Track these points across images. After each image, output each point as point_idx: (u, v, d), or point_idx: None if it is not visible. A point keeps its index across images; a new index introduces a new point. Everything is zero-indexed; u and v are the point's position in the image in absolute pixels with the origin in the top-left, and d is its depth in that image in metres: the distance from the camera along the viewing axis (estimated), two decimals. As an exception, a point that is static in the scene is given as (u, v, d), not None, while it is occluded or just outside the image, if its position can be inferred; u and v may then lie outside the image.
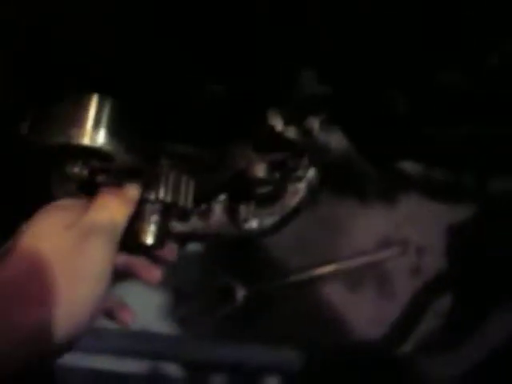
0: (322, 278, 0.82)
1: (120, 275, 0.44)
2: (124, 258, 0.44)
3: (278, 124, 0.39)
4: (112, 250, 0.36)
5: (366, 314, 0.82)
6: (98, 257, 0.34)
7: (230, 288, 0.79)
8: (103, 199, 0.38)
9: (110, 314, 0.44)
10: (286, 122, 0.40)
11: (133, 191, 0.40)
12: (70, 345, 0.33)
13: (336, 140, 0.78)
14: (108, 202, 0.38)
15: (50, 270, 0.32)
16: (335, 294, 0.82)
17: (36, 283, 0.32)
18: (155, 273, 0.45)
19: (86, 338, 0.34)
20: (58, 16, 0.31)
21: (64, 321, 0.32)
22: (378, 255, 0.83)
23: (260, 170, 0.44)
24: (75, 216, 0.36)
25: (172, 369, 0.79)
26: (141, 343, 0.77)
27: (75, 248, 0.34)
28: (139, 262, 0.45)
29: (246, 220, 0.53)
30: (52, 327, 0.31)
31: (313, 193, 0.57)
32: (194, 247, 0.80)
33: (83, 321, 0.33)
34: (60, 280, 0.32)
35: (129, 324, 0.44)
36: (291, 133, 0.41)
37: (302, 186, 0.55)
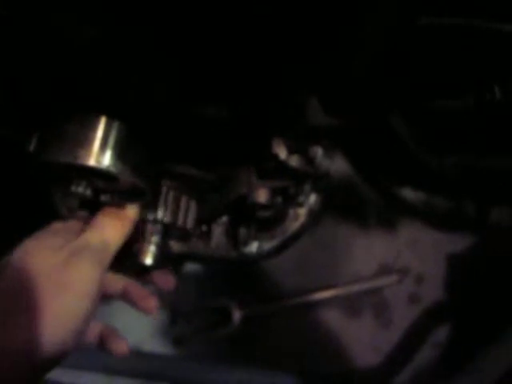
0: (319, 303, 0.81)
1: (118, 299, 0.44)
2: (123, 284, 0.44)
3: (281, 152, 0.40)
4: (100, 270, 0.36)
5: (362, 341, 0.81)
6: (84, 274, 0.35)
7: (226, 309, 0.78)
8: (98, 220, 0.39)
9: (103, 342, 0.44)
10: (290, 151, 0.41)
11: (130, 212, 0.41)
12: (56, 361, 0.33)
13: (337, 165, 0.79)
14: (102, 223, 0.39)
15: (35, 283, 0.33)
16: (333, 320, 0.81)
17: (20, 297, 0.32)
18: (151, 303, 0.45)
19: (76, 355, 0.34)
20: (69, 41, 0.31)
21: (50, 333, 0.32)
22: (377, 282, 0.83)
23: (262, 196, 0.44)
24: (66, 239, 0.37)
25: (165, 389, 0.78)
26: (133, 362, 0.76)
27: (63, 265, 0.34)
28: (137, 291, 0.45)
29: (245, 243, 0.53)
30: (38, 339, 0.31)
31: (313, 218, 0.57)
32: (191, 267, 0.79)
33: (70, 335, 0.33)
34: (45, 294, 0.33)
35: (124, 354, 0.44)
36: (294, 161, 0.41)
37: (302, 212, 0.55)
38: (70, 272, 0.34)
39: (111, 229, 0.39)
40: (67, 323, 0.33)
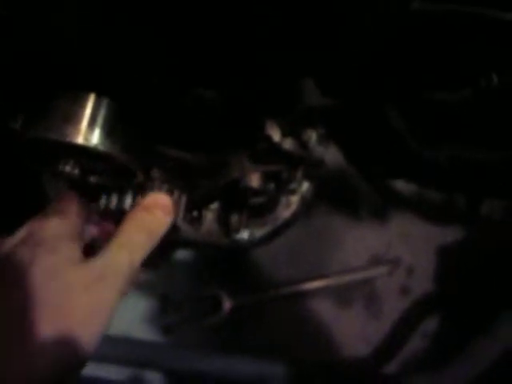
0: (310, 293, 0.81)
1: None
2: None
3: (275, 135, 0.39)
4: (124, 291, 0.35)
5: (353, 331, 0.82)
6: (111, 301, 0.33)
7: (217, 298, 0.78)
8: (127, 236, 0.36)
9: None
10: (284, 134, 0.40)
11: (164, 225, 0.39)
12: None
13: (331, 155, 0.79)
14: (131, 240, 0.36)
15: (58, 309, 0.31)
16: (323, 309, 0.82)
17: (36, 321, 0.30)
18: None
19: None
20: (57, 18, 0.31)
21: (58, 363, 0.30)
22: (368, 273, 0.83)
23: (254, 180, 0.44)
24: (79, 243, 0.35)
25: (154, 377, 0.77)
26: (123, 349, 0.75)
27: (89, 288, 0.32)
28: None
29: (237, 230, 0.53)
30: (43, 368, 0.30)
31: (306, 206, 0.57)
32: (183, 255, 0.79)
33: (82, 359, 0.32)
34: (66, 322, 0.31)
35: None
36: (288, 144, 0.40)
37: (295, 199, 0.55)
38: (97, 298, 0.33)
39: (141, 248, 0.36)
40: (83, 348, 0.31)
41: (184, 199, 0.45)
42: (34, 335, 0.30)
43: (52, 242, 0.34)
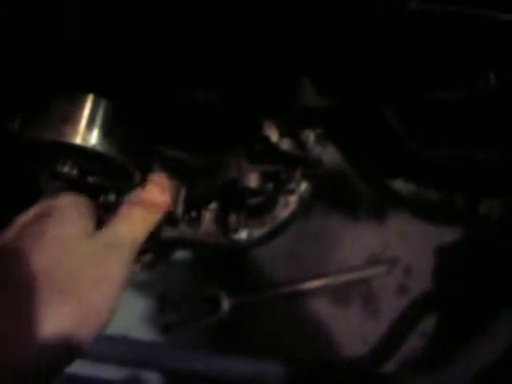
0: (308, 292, 0.81)
1: None
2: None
3: (273, 135, 0.39)
4: (130, 265, 0.35)
5: (350, 331, 0.82)
6: (118, 273, 0.33)
7: (215, 298, 0.78)
8: (127, 211, 0.37)
9: None
10: (281, 134, 0.40)
11: (161, 205, 0.39)
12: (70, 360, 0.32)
13: (329, 155, 0.79)
14: (131, 215, 0.37)
15: (66, 282, 0.31)
16: (321, 309, 0.82)
17: (47, 294, 0.30)
18: None
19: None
20: (57, 17, 0.31)
21: (67, 340, 0.30)
22: (366, 272, 0.83)
23: (252, 180, 0.44)
24: (92, 222, 0.35)
25: (152, 377, 0.77)
26: (121, 349, 0.76)
27: (96, 260, 0.33)
28: None
29: (235, 230, 0.53)
30: (52, 347, 0.30)
31: (304, 206, 0.57)
32: (181, 255, 0.79)
33: (88, 337, 0.31)
34: (76, 294, 0.31)
35: None
36: (286, 145, 0.40)
37: (293, 199, 0.55)
38: (104, 271, 0.33)
39: (141, 223, 0.37)
40: (92, 324, 0.32)
41: (183, 192, 0.45)
42: (45, 313, 0.30)
43: (65, 213, 0.35)
